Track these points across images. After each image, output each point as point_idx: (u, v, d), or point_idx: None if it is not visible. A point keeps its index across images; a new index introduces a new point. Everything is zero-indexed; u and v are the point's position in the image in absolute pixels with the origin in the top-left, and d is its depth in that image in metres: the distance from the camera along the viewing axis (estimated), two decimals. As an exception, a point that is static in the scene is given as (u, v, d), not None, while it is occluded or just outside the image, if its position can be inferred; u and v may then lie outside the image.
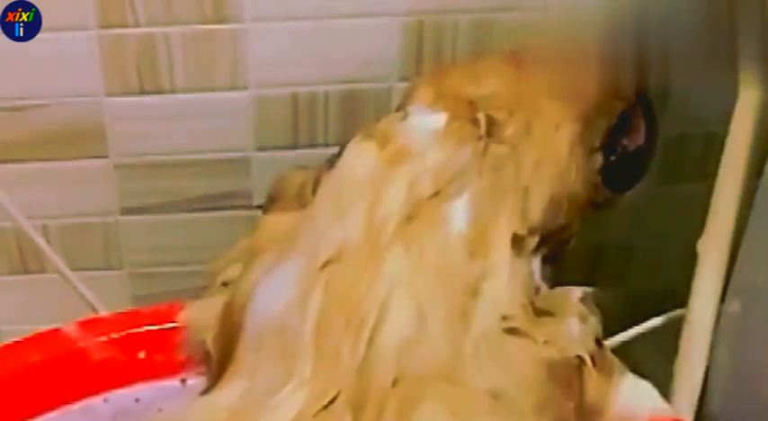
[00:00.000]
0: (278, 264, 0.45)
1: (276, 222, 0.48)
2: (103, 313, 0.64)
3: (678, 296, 0.57)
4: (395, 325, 0.41)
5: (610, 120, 0.51)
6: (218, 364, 0.45)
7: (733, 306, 0.54)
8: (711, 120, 0.62)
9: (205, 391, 0.45)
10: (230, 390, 0.42)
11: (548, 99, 0.49)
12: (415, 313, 0.41)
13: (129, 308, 0.68)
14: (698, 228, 0.56)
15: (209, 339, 0.46)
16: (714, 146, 0.58)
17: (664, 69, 0.66)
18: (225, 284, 0.48)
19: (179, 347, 0.49)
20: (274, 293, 0.44)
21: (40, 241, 0.68)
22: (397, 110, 0.51)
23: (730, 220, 0.54)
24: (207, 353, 0.47)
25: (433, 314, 0.42)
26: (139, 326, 0.53)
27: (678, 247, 0.58)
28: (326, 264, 0.43)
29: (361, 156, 0.46)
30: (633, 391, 0.45)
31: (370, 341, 0.41)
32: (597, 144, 0.50)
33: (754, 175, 0.54)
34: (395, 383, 0.40)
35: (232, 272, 0.48)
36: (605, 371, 0.44)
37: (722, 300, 0.55)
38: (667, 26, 0.64)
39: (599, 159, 0.51)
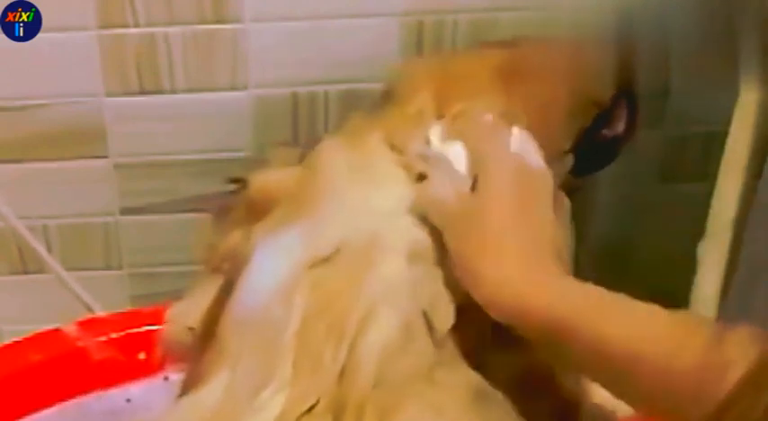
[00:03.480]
0: (274, 238, 0.44)
1: (271, 182, 0.47)
2: (100, 313, 0.64)
3: (678, 296, 0.57)
4: (380, 329, 0.41)
5: (585, 121, 0.51)
6: (200, 339, 0.44)
7: (733, 306, 0.54)
8: (711, 120, 0.62)
9: (188, 381, 0.44)
10: (213, 386, 0.42)
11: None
12: (402, 317, 0.41)
13: (128, 308, 0.68)
14: (698, 228, 0.56)
15: (196, 320, 0.46)
16: (714, 146, 0.58)
17: (664, 69, 0.66)
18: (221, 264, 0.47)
19: (160, 343, 0.48)
20: (263, 279, 0.43)
21: (33, 241, 0.68)
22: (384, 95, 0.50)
23: (730, 220, 0.55)
24: (189, 347, 0.46)
25: (419, 319, 0.41)
26: (139, 326, 0.53)
27: (678, 247, 0.58)
28: (319, 262, 0.42)
29: (362, 152, 0.46)
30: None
31: (352, 347, 0.40)
32: (567, 147, 0.50)
33: (754, 175, 0.54)
34: (374, 387, 0.40)
35: (232, 239, 0.47)
36: None
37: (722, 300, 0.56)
38: (667, 26, 0.64)
39: (570, 161, 0.51)
